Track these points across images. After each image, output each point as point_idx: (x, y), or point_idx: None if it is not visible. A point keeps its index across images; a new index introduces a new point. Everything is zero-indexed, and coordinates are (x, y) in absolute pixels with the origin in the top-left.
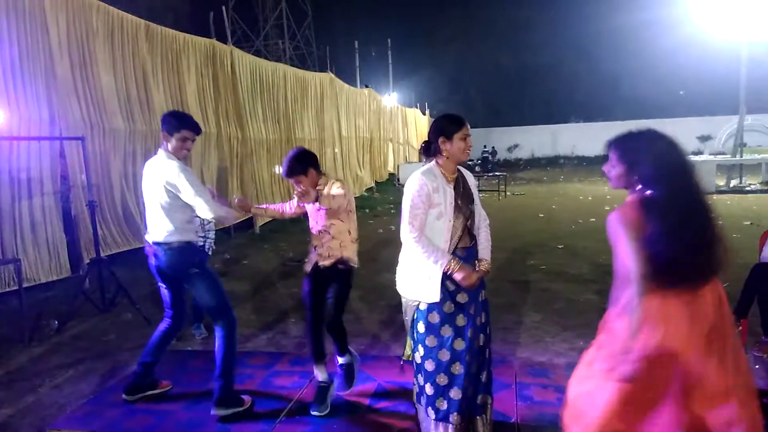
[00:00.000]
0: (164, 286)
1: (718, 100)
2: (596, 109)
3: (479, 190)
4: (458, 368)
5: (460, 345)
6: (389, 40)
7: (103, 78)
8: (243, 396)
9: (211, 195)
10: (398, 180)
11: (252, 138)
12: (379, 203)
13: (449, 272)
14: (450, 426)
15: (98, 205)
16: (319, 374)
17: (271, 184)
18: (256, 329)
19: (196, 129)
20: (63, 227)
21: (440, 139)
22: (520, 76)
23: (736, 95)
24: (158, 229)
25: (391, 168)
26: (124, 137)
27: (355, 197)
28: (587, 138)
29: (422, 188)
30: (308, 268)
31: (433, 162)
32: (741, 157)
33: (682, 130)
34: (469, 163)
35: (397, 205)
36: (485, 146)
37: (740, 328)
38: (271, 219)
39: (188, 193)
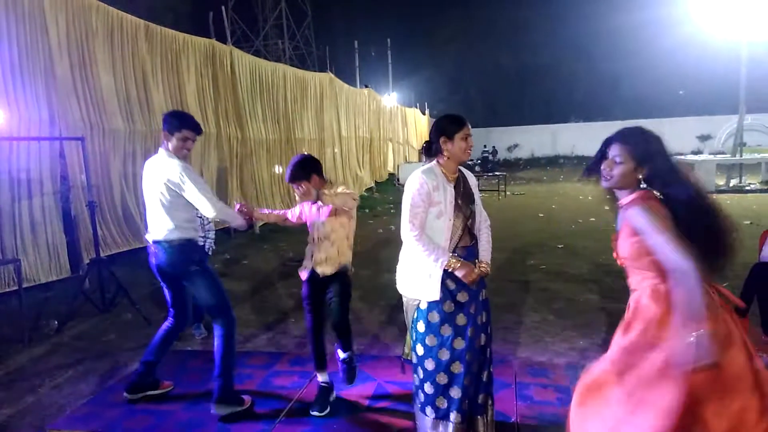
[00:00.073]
0: (164, 285)
1: (717, 99)
2: (596, 109)
3: (479, 190)
4: (458, 367)
5: (460, 344)
6: (389, 40)
7: (103, 78)
8: (243, 396)
9: (238, 207)
10: (398, 180)
11: (252, 138)
12: (379, 203)
13: (450, 270)
14: (450, 424)
15: (98, 206)
16: (320, 376)
17: (270, 185)
18: (256, 329)
19: (196, 129)
20: (63, 227)
21: (441, 139)
22: (520, 75)
23: (735, 95)
24: (159, 227)
25: (390, 168)
26: (123, 137)
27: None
28: (587, 138)
29: (422, 187)
30: (304, 276)
31: (434, 161)
32: (741, 156)
33: (681, 130)
34: (469, 162)
35: (397, 205)
36: (485, 146)
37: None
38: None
39: (192, 192)
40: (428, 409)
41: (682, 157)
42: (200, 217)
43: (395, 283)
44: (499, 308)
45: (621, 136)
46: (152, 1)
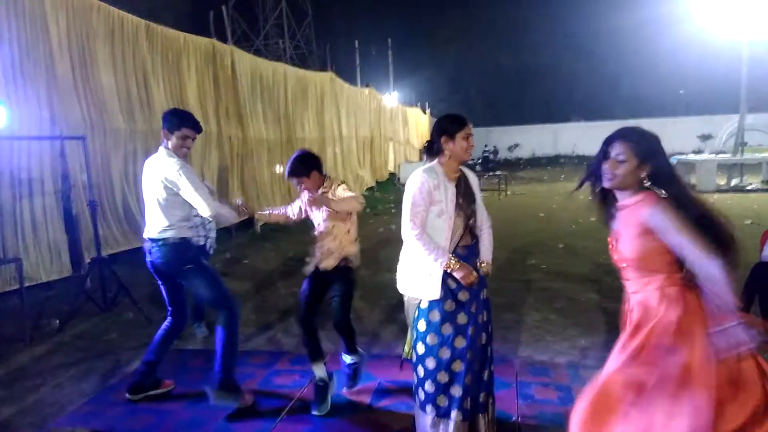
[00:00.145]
0: (161, 283)
1: (718, 99)
2: (596, 109)
3: (480, 190)
4: (459, 366)
5: (460, 343)
6: (389, 40)
7: (104, 78)
8: (246, 395)
9: (209, 192)
10: (399, 179)
11: (252, 137)
12: (380, 202)
13: (449, 271)
14: (451, 422)
15: (99, 205)
16: (317, 372)
17: (271, 184)
18: (257, 328)
19: (196, 127)
20: (64, 227)
21: (442, 139)
22: (521, 75)
23: (736, 94)
24: (154, 225)
25: (391, 167)
26: (124, 137)
27: None
28: (588, 137)
29: (423, 185)
30: (309, 270)
31: (436, 161)
32: (742, 156)
33: (682, 130)
34: (470, 162)
35: (398, 204)
36: (486, 146)
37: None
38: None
39: (188, 191)
40: (428, 408)
41: (683, 156)
42: (199, 216)
43: (396, 283)
44: (499, 307)
45: (622, 135)
46: (153, 1)
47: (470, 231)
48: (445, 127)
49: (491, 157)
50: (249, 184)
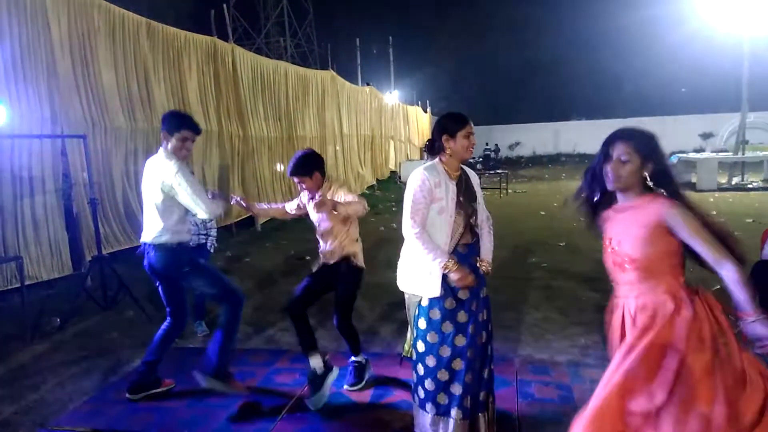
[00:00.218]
0: (158, 284)
1: (720, 97)
2: (598, 107)
3: (481, 188)
4: (459, 364)
5: (461, 341)
6: (390, 38)
7: (105, 76)
8: (237, 382)
9: (211, 196)
10: (400, 178)
11: (253, 136)
12: (381, 201)
13: (446, 272)
14: (451, 421)
15: (100, 203)
16: (311, 362)
17: (272, 182)
18: (258, 327)
19: (195, 129)
20: (65, 225)
21: (444, 137)
22: (522, 73)
23: (738, 92)
24: (151, 228)
25: (392, 166)
26: (125, 135)
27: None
28: (589, 135)
29: (424, 183)
30: (315, 268)
31: (437, 159)
32: (743, 154)
33: (684, 128)
34: (471, 160)
35: (399, 202)
36: (487, 144)
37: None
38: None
39: (185, 194)
40: (428, 406)
41: (685, 155)
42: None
43: (395, 281)
44: (500, 306)
45: (623, 135)
46: None
47: (471, 229)
48: (446, 125)
49: (492, 155)
50: (250, 182)
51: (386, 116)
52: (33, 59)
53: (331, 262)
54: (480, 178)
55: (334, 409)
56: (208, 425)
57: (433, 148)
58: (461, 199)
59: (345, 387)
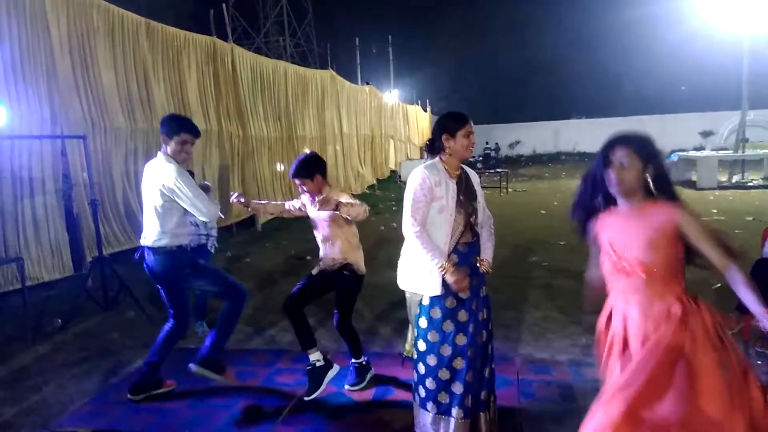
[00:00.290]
0: (159, 287)
1: (720, 95)
2: (598, 105)
3: (481, 187)
4: (460, 363)
5: (461, 340)
6: (390, 37)
7: (104, 76)
8: (228, 372)
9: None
10: (400, 177)
11: (253, 136)
12: (381, 200)
13: (443, 273)
14: (452, 420)
15: (100, 204)
16: (310, 357)
17: (272, 182)
18: (259, 327)
19: (195, 132)
20: (65, 226)
21: (444, 136)
22: (522, 72)
23: (738, 90)
24: (150, 232)
25: (392, 165)
26: (125, 135)
27: (356, 195)
28: (589, 134)
29: (424, 181)
30: (315, 272)
31: (437, 158)
32: (743, 152)
33: (684, 126)
34: (471, 159)
35: (399, 202)
36: (487, 143)
37: (742, 324)
38: (272, 217)
39: (186, 198)
40: (429, 405)
41: (685, 153)
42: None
43: (395, 281)
44: (500, 305)
45: (622, 139)
46: None
47: (471, 228)
48: (446, 125)
49: (493, 154)
50: (250, 182)
51: (386, 116)
52: (32, 60)
53: (332, 269)
54: (480, 177)
55: (335, 409)
56: (209, 426)
57: (433, 147)
58: (461, 197)
59: (346, 387)
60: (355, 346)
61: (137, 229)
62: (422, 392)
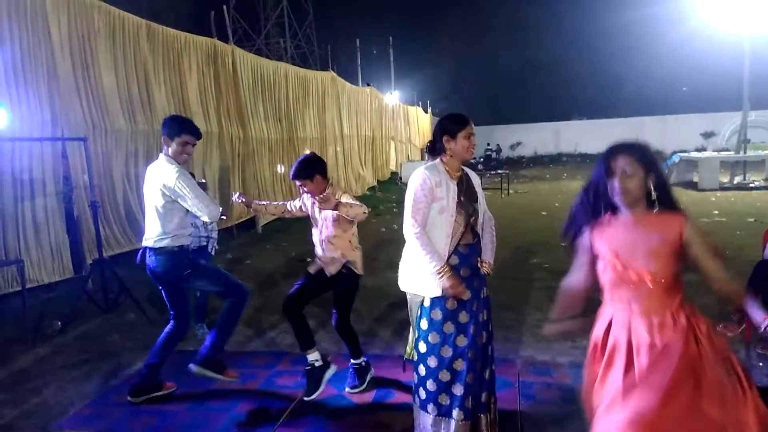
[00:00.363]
0: (160, 288)
1: (721, 96)
2: (599, 106)
3: (482, 189)
4: (460, 365)
5: (462, 341)
6: (391, 38)
7: (105, 78)
8: (230, 372)
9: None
10: (400, 178)
11: (254, 137)
12: (382, 202)
13: (439, 276)
14: (452, 421)
15: (101, 206)
16: (308, 357)
17: (273, 184)
18: (259, 329)
19: (196, 133)
20: (66, 228)
21: (444, 138)
22: (523, 73)
23: (739, 91)
24: (152, 233)
25: (393, 166)
26: (126, 137)
27: (357, 196)
28: (590, 135)
29: (425, 182)
30: (313, 270)
31: (438, 159)
32: (744, 153)
33: (685, 127)
34: (472, 161)
35: (400, 203)
36: (488, 144)
37: (743, 326)
38: (273, 218)
39: (188, 199)
40: (430, 407)
41: (686, 154)
42: (199, 219)
43: (397, 282)
44: (501, 306)
45: (623, 147)
46: (154, 1)
47: (472, 229)
48: (447, 126)
49: (494, 155)
50: (250, 183)
51: (387, 117)
52: (33, 62)
53: (333, 272)
54: (481, 178)
55: (335, 411)
56: (209, 428)
57: (434, 148)
58: (462, 198)
59: (346, 389)
60: (355, 347)
61: (137, 231)
62: (423, 394)
